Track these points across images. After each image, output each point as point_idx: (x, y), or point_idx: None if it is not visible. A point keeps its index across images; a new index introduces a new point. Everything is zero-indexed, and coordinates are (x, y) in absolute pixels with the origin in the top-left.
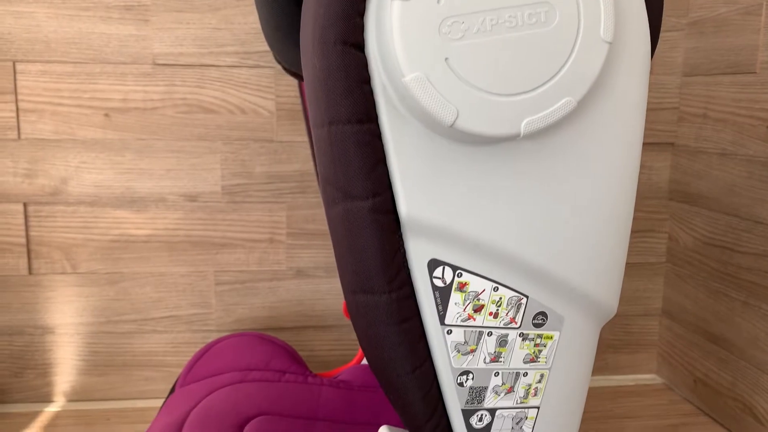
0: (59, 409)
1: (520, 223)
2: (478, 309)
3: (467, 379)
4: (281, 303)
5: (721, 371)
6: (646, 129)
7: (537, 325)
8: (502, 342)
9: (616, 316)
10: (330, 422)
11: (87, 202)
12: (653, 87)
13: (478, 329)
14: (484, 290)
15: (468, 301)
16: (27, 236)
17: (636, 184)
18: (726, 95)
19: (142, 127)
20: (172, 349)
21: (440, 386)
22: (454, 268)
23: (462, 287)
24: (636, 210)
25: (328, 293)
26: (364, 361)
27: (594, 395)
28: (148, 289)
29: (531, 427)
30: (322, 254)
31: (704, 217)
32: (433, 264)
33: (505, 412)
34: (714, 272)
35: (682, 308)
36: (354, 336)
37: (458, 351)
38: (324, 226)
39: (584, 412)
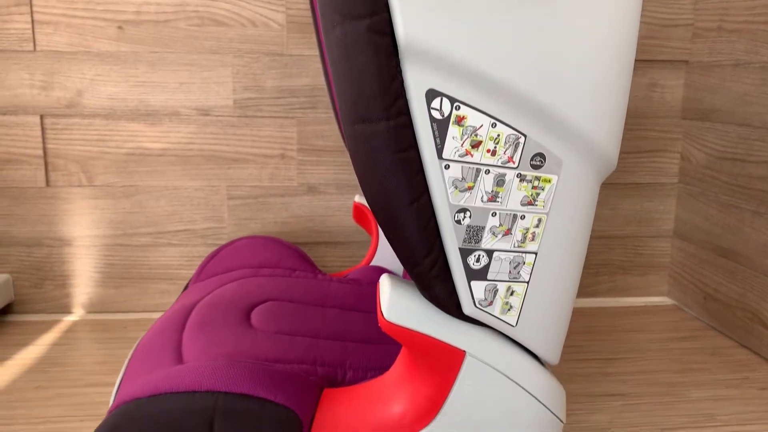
0: (77, 319)
1: (520, 54)
2: (475, 145)
3: (465, 216)
4: (293, 218)
5: (731, 283)
6: (658, 47)
7: (535, 167)
8: (500, 182)
9: (626, 236)
10: (338, 309)
11: (102, 115)
12: (667, 4)
13: (476, 166)
14: (482, 126)
15: (466, 136)
16: (44, 148)
17: (638, 25)
18: (740, 4)
19: (154, 39)
20: (186, 263)
21: (438, 223)
22: (452, 100)
23: (460, 121)
24: (649, 129)
25: (338, 209)
26: (372, 263)
27: (601, 313)
28: (162, 202)
29: (529, 273)
30: (333, 171)
31: (716, 131)
32: (431, 94)
33: (503, 255)
34: (725, 185)
35: (693, 227)
36: (363, 252)
37: (456, 187)
38: (334, 142)
39: (589, 326)
